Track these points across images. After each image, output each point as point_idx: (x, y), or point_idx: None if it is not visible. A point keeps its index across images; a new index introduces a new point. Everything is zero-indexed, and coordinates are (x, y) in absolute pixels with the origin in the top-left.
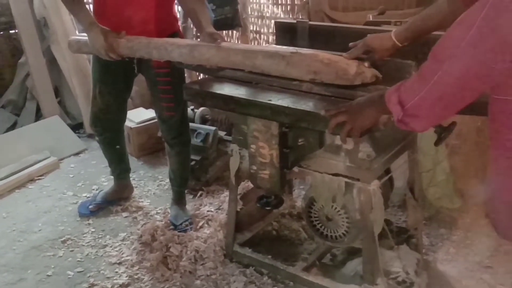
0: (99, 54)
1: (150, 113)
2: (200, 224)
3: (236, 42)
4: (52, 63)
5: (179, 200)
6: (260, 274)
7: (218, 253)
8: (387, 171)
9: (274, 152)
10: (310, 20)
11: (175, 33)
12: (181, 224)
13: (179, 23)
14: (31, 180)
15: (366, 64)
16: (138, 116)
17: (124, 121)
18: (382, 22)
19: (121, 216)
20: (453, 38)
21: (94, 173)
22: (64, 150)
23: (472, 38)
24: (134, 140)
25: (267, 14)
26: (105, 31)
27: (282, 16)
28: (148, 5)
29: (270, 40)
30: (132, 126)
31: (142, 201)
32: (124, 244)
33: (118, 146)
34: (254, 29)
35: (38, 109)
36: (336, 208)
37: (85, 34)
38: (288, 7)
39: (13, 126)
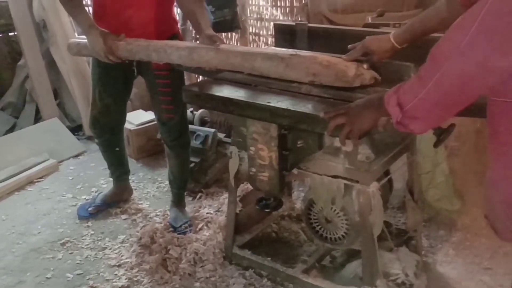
0: (99, 57)
1: (149, 115)
2: (200, 226)
3: (235, 44)
4: (51, 65)
5: (178, 202)
6: (260, 276)
7: (217, 255)
8: (386, 173)
9: (273, 154)
10: (309, 22)
11: (174, 35)
12: (180, 226)
13: (178, 25)
14: (30, 182)
15: (365, 66)
16: (137, 118)
17: (124, 123)
18: (381, 24)
19: (120, 219)
20: (452, 40)
21: (93, 176)
22: (63, 152)
23: (470, 40)
24: (133, 142)
25: (266, 16)
26: (105, 33)
27: (281, 18)
28: (147, 7)
29: (269, 42)
30: (131, 128)
31: (142, 203)
32: (124, 247)
33: (117, 148)
34: (253, 31)
35: (37, 111)
36: (335, 210)
37: (84, 37)
38: (287, 9)
39: (12, 129)
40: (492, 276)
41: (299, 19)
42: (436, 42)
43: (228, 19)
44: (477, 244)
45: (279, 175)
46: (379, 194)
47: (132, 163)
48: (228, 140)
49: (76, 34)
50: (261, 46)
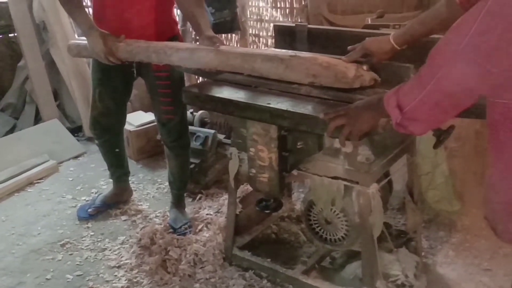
0: (99, 58)
1: (149, 116)
2: (199, 227)
3: (235, 45)
4: (51, 66)
5: (178, 203)
6: (260, 278)
7: (217, 257)
8: (386, 174)
9: (273, 155)
10: (309, 24)
11: (174, 37)
12: (180, 227)
13: (178, 26)
14: (30, 183)
15: (364, 67)
16: (137, 119)
17: (124, 124)
18: (381, 25)
19: (120, 220)
20: (451, 41)
21: (93, 177)
22: (63, 153)
23: (470, 41)
24: (133, 143)
25: (266, 18)
26: (105, 34)
27: (281, 19)
28: (147, 9)
29: (269, 44)
30: (131, 130)
31: (141, 205)
32: (123, 248)
33: (117, 150)
34: (253, 32)
35: (37, 113)
36: (335, 211)
37: (84, 38)
38: (287, 10)
39: (12, 130)
40: (492, 277)
41: (299, 20)
42: (436, 44)
43: (228, 20)
44: (477, 245)
45: (279, 176)
46: (379, 195)
47: (132, 164)
48: (228, 141)
49: (76, 35)
50: (261, 47)
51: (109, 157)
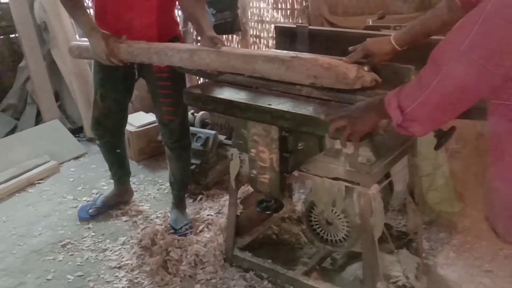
0: (100, 59)
1: (150, 117)
2: (200, 228)
3: (236, 46)
4: (52, 67)
5: (179, 204)
6: (260, 278)
7: (218, 257)
8: (387, 176)
9: (274, 156)
10: (310, 25)
11: (176, 38)
12: (181, 228)
13: (180, 27)
14: (31, 184)
15: (365, 68)
16: (138, 120)
17: (125, 125)
18: (382, 26)
19: (121, 220)
20: (452, 42)
21: (94, 177)
22: (64, 154)
23: (471, 42)
24: (134, 144)
25: (267, 19)
26: (106, 36)
27: (282, 20)
28: (149, 10)
29: (270, 45)
30: (132, 130)
31: (142, 205)
32: (124, 248)
33: (118, 150)
34: (254, 33)
35: (38, 113)
36: (336, 212)
37: (85, 39)
38: (288, 11)
39: (13, 130)
40: (493, 279)
41: (300, 21)
42: (437, 45)
43: (229, 21)
44: (477, 246)
45: (279, 177)
46: (379, 197)
47: (133, 165)
48: (229, 142)
49: (77, 36)
50: (262, 48)
51: (110, 157)
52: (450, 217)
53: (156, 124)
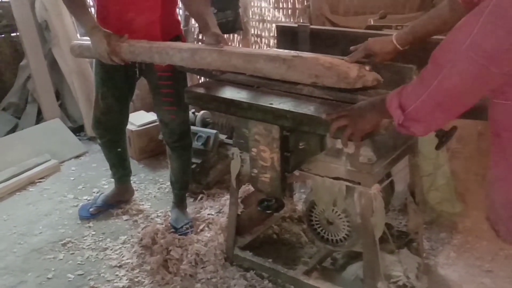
0: (102, 59)
1: (151, 116)
2: (201, 227)
3: (237, 45)
4: (53, 66)
5: (179, 203)
6: (261, 278)
7: (218, 257)
8: (388, 175)
9: (275, 155)
10: (311, 24)
11: (177, 36)
12: (181, 227)
13: (181, 26)
14: (32, 182)
15: (367, 67)
16: (139, 119)
17: (126, 124)
18: (383, 26)
19: (122, 219)
20: (454, 42)
21: (94, 176)
22: (65, 153)
23: (473, 41)
24: (135, 143)
25: (268, 18)
26: (108, 34)
27: (283, 20)
28: (151, 8)
29: (271, 44)
30: (133, 129)
31: (143, 204)
32: (125, 247)
33: (119, 149)
34: (255, 32)
35: (39, 112)
36: (337, 212)
37: (87, 38)
38: (289, 11)
39: (14, 129)
40: (493, 279)
41: (301, 21)
42: (438, 44)
43: (230, 21)
44: (478, 246)
45: (280, 177)
46: (380, 196)
47: (134, 164)
48: (230, 141)
49: (78, 35)
50: (263, 47)
51: (111, 156)
52: (451, 217)
53: (157, 123)
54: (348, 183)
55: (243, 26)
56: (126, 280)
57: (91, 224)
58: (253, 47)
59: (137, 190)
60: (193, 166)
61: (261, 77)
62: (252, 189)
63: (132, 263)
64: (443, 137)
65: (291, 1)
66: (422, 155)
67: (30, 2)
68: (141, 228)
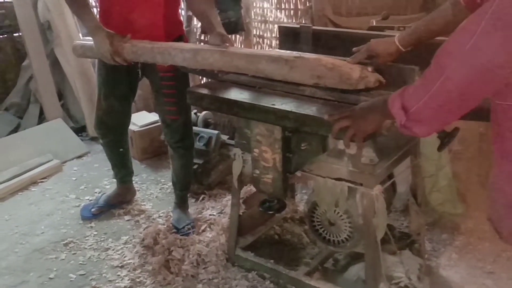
0: (104, 59)
1: (153, 117)
2: (202, 227)
3: (239, 46)
4: (55, 66)
5: (181, 204)
6: (262, 279)
7: (220, 257)
8: (390, 176)
9: (277, 156)
10: (313, 25)
11: (180, 37)
12: (183, 227)
13: (183, 27)
14: (34, 182)
15: (369, 68)
16: (141, 119)
17: (128, 124)
18: (386, 27)
19: (124, 219)
20: (457, 43)
21: (96, 176)
22: (67, 153)
23: (475, 43)
24: (136, 143)
25: (271, 19)
26: (111, 35)
27: (285, 20)
28: (154, 9)
29: (273, 45)
30: (135, 130)
31: (145, 205)
32: (126, 248)
33: (121, 149)
34: (257, 33)
35: (41, 112)
36: (338, 212)
37: (89, 38)
38: (292, 11)
39: (16, 129)
40: (495, 281)
41: (303, 21)
42: (441, 45)
43: (232, 21)
44: (480, 248)
45: (282, 177)
46: (382, 197)
47: (136, 164)
48: (232, 142)
49: (80, 35)
50: (265, 48)
51: (113, 157)
52: (453, 218)
53: (159, 123)
54: (350, 184)
55: (245, 27)
56: (128, 280)
57: (93, 224)
58: (255, 48)
59: (139, 190)
60: (195, 166)
61: (263, 77)
62: (254, 189)
63: (134, 263)
64: (445, 138)
65: (293, 1)
66: (424, 156)
67: (33, 2)
68: (143, 229)
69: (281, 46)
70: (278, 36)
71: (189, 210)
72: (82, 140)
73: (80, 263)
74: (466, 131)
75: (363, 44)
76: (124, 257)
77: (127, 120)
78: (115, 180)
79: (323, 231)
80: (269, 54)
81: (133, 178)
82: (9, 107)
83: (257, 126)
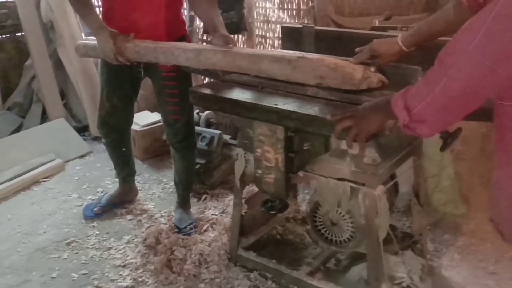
0: (107, 58)
1: (155, 117)
2: (205, 227)
3: (241, 46)
4: (58, 66)
5: (183, 204)
6: (264, 278)
7: (222, 257)
8: (392, 176)
9: (280, 156)
10: (316, 25)
11: (182, 37)
12: (185, 227)
13: (186, 27)
14: (36, 182)
15: (372, 69)
16: (143, 119)
17: (131, 124)
18: (388, 27)
19: (126, 219)
20: (460, 43)
21: (99, 176)
22: (69, 152)
23: (478, 43)
24: (139, 143)
25: (273, 19)
26: (114, 34)
27: (288, 20)
28: (157, 9)
29: (275, 45)
30: (137, 129)
31: (147, 204)
32: (129, 247)
33: (124, 149)
34: (260, 33)
35: (44, 112)
36: (341, 213)
37: (92, 38)
38: (294, 12)
39: (18, 129)
40: (498, 281)
41: (306, 21)
42: (444, 46)
43: (235, 21)
44: (482, 248)
45: (285, 177)
46: (385, 197)
47: (138, 164)
48: (234, 142)
49: (83, 35)
50: (267, 48)
51: (115, 156)
52: (455, 218)
53: (161, 123)
54: (352, 184)
55: (247, 27)
56: (130, 279)
57: (95, 223)
58: (258, 48)
59: (141, 190)
60: (197, 166)
61: (266, 77)
62: (256, 189)
63: (136, 263)
64: (448, 138)
65: (296, 1)
66: (426, 157)
67: (35, 1)
68: (145, 228)
69: (283, 46)
70: (280, 36)
71: (191, 209)
72: (84, 139)
73: (83, 263)
74: (469, 131)
75: (365, 45)
76: (126, 256)
77: (129, 119)
78: (117, 179)
79: (325, 231)
80: (272, 54)
81: (135, 178)
82: (12, 106)
83: (259, 126)
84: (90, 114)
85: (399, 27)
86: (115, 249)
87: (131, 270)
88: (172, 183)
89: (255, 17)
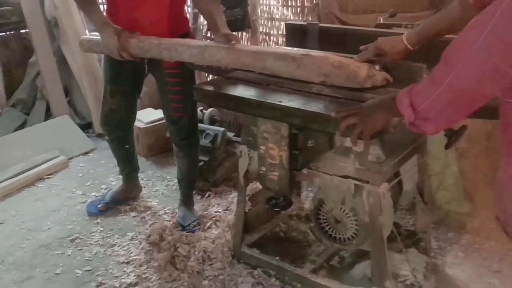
0: (111, 54)
1: (159, 114)
2: (208, 224)
3: (245, 43)
4: (62, 63)
5: (187, 201)
6: (268, 276)
7: (226, 254)
8: (397, 174)
9: (284, 153)
10: (320, 22)
11: (186, 34)
12: (189, 224)
13: (189, 24)
14: (40, 179)
15: (377, 67)
16: (147, 116)
17: (134, 121)
18: (393, 24)
19: (130, 216)
20: (466, 41)
21: (102, 173)
22: (73, 149)
23: (484, 41)
24: (142, 140)
25: (277, 16)
26: (119, 30)
27: (292, 18)
28: (160, 6)
29: (279, 42)
30: (141, 126)
31: (151, 201)
32: (132, 244)
33: (127, 146)
34: (264, 31)
35: (48, 109)
36: (345, 210)
37: (96, 34)
38: (298, 9)
39: (22, 125)
40: (502, 279)
41: (310, 19)
42: (450, 43)
43: (239, 19)
44: (486, 246)
45: (289, 175)
46: (389, 195)
47: (142, 161)
48: (237, 139)
49: (87, 32)
50: (272, 45)
51: (119, 153)
52: (459, 216)
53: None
54: (356, 182)
55: (251, 24)
56: (134, 276)
57: (99, 220)
58: (262, 45)
59: (144, 187)
60: (201, 163)
61: (270, 75)
62: (259, 187)
63: (139, 260)
64: (452, 136)
65: None
66: (431, 154)
67: None
68: (148, 225)
69: (287, 44)
70: (284, 33)
71: (194, 207)
72: (88, 136)
73: (86, 259)
74: (474, 129)
75: (370, 42)
76: (130, 253)
77: (132, 116)
78: (121, 176)
79: (329, 229)
80: (276, 52)
81: (139, 175)
82: (16, 103)
83: (263, 123)
84: (94, 111)
85: (404, 24)
86: (119, 246)
87: (134, 267)
88: (176, 180)
89: (259, 14)
